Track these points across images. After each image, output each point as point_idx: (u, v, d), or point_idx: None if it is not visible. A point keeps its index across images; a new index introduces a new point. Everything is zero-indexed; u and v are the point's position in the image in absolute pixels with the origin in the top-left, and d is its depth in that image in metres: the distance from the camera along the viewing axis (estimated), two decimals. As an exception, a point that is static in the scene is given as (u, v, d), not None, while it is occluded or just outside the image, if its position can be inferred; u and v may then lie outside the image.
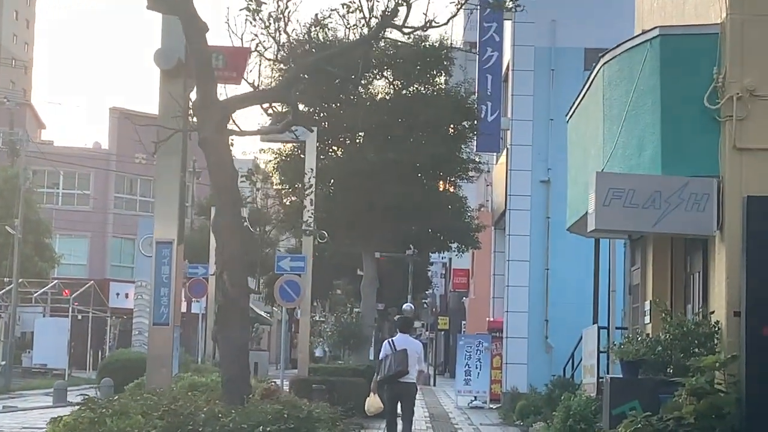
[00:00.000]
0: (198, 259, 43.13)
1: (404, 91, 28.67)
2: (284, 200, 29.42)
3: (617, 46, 13.69)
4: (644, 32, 13.17)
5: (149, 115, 65.19)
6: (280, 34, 12.11)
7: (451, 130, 28.71)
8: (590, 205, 12.67)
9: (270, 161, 29.12)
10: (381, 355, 16.51)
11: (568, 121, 17.21)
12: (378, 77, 29.00)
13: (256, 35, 12.10)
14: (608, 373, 17.74)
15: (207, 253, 40.61)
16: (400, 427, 16.50)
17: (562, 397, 18.05)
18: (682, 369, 11.60)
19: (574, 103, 16.53)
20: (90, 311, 50.53)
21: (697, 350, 11.53)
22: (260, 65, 12.31)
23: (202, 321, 36.67)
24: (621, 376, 12.92)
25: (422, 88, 28.69)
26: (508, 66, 32.47)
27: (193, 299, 39.33)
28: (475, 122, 29.24)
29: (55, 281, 51.50)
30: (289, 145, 29.17)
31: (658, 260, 14.51)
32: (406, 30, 12.15)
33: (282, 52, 12.34)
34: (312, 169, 24.43)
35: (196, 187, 57.55)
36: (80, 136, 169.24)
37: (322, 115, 28.46)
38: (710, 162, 12.15)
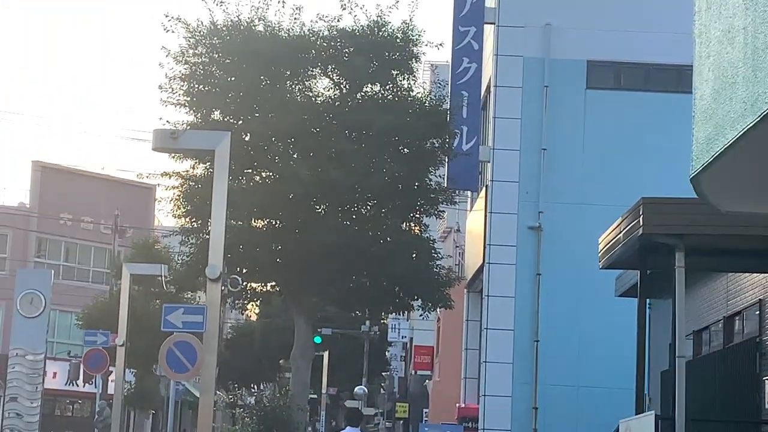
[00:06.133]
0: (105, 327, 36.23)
1: (355, 94, 21.35)
2: (189, 238, 22.08)
3: None
4: None
5: (76, 170, 59.16)
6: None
7: (416, 147, 21.35)
8: None
9: (175, 187, 21.68)
10: None
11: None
12: (319, 76, 21.69)
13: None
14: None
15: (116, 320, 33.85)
16: None
17: None
18: None
19: None
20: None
21: None
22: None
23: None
24: None
25: (378, 90, 21.40)
26: (489, 81, 25.74)
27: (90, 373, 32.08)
28: (447, 139, 21.97)
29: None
30: (201, 166, 21.84)
31: None
32: None
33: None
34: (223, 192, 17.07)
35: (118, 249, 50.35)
36: (3, 194, 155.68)
37: (240, 121, 21.11)
38: None
